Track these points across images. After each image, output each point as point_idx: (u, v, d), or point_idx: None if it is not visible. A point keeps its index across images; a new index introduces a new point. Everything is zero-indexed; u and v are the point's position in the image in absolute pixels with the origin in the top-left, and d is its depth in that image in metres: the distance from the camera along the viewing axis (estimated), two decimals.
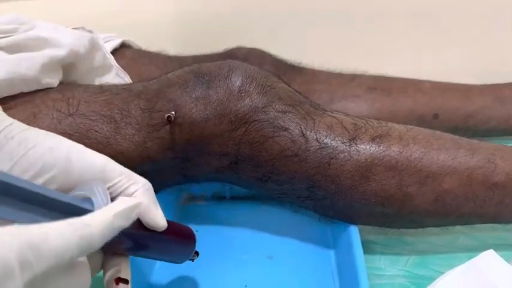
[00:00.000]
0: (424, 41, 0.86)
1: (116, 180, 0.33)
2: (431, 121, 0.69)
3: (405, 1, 0.85)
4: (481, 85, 0.71)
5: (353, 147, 0.43)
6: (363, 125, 0.45)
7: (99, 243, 0.25)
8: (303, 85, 0.70)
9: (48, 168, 0.32)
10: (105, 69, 0.59)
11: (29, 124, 0.46)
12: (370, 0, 0.87)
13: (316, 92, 0.71)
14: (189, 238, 0.40)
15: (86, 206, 0.29)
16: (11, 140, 0.33)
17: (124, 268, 0.34)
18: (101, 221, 0.26)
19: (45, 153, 0.32)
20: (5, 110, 0.47)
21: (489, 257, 0.41)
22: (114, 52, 0.65)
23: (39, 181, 0.32)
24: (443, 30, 0.85)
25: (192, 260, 0.42)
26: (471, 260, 0.41)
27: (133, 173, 0.35)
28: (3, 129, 0.34)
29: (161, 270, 0.47)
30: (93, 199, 0.29)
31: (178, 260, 0.40)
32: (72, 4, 0.87)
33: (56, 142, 0.34)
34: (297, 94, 0.47)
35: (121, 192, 0.33)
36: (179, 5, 0.89)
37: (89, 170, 0.33)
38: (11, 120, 0.36)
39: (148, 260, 0.41)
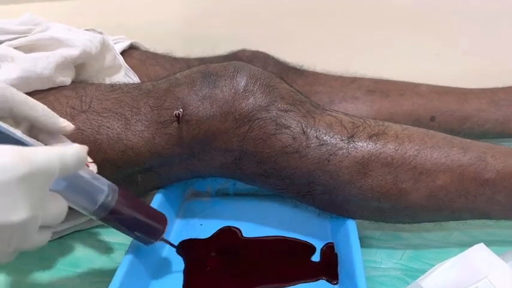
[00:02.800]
0: (423, 46, 0.88)
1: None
2: (428, 123, 0.71)
3: (405, 7, 0.87)
4: (477, 89, 0.74)
5: (351, 145, 0.45)
6: (360, 123, 0.47)
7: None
8: (305, 87, 0.73)
9: None
10: (115, 69, 0.62)
11: None
12: (372, 6, 0.89)
13: (317, 94, 0.73)
14: (158, 218, 0.43)
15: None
16: None
17: None
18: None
19: None
20: None
21: (480, 250, 0.43)
22: (122, 53, 0.68)
23: None
24: (441, 36, 0.88)
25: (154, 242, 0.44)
26: (462, 253, 0.43)
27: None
28: None
29: (168, 256, 0.49)
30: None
31: (145, 236, 0.43)
32: (82, 7, 0.90)
33: None
34: (299, 94, 0.49)
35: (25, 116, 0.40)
36: (185, 9, 0.92)
37: None
38: None
39: (154, 247, 0.44)
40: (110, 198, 0.39)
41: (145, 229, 0.42)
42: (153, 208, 0.45)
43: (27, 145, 0.35)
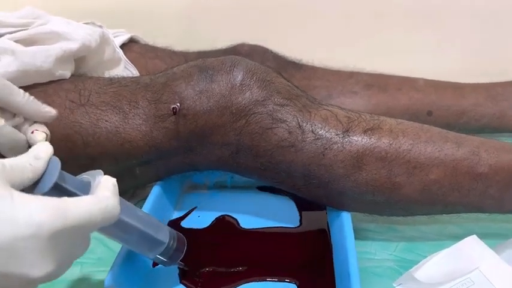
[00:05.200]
0: (421, 41, 0.88)
1: None
2: (425, 118, 0.71)
3: (404, 2, 0.87)
4: (474, 83, 0.74)
5: (346, 139, 0.46)
6: (356, 118, 0.47)
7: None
8: (303, 81, 0.73)
9: None
10: (114, 62, 0.62)
11: None
12: (370, 1, 0.89)
13: (315, 88, 0.74)
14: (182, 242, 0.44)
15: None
16: None
17: None
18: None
19: None
20: None
21: (472, 242, 0.44)
22: (122, 47, 0.68)
23: None
24: (440, 31, 0.88)
25: (182, 267, 0.46)
26: (455, 244, 0.44)
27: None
28: None
29: None
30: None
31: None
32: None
33: None
34: (295, 88, 0.49)
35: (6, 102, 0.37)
36: (186, 2, 0.92)
37: None
38: None
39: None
40: (170, 245, 0.41)
41: (175, 258, 0.43)
42: (183, 238, 0.44)
43: (74, 193, 0.33)
